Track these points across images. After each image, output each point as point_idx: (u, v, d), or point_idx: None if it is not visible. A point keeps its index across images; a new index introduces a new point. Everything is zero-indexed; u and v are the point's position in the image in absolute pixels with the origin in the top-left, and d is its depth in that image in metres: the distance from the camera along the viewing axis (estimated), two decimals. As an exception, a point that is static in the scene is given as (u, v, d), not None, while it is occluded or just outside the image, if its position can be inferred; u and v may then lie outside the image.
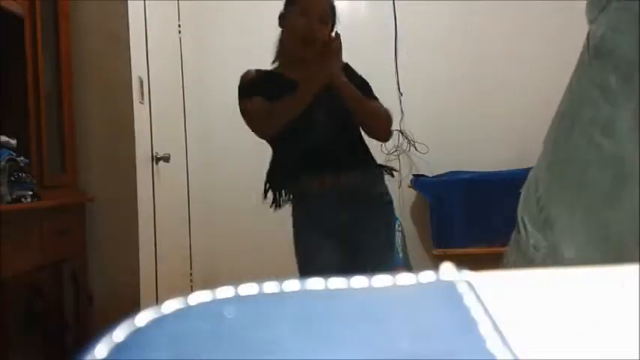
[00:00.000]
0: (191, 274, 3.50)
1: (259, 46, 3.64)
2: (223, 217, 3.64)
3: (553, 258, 0.59)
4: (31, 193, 2.15)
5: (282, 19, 1.98)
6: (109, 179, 2.72)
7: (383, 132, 1.99)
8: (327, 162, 1.89)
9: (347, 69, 1.99)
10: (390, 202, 1.98)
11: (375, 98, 1.99)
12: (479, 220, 3.15)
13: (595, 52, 0.56)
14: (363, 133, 1.97)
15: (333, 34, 1.85)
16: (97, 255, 2.68)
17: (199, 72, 3.69)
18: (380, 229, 1.93)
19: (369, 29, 3.67)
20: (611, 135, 0.53)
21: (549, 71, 3.43)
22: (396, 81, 3.60)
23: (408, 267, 3.43)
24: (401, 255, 3.44)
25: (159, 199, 3.00)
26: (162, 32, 3.23)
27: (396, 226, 3.48)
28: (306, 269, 1.88)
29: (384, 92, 3.45)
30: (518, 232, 0.64)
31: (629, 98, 0.52)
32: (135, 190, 2.71)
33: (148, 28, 2.97)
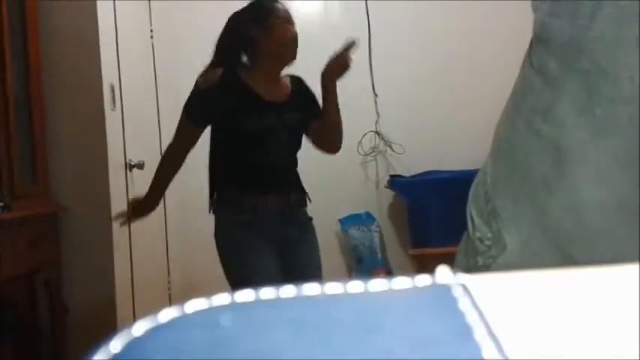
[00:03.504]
0: (169, 282, 3.46)
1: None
2: (200, 225, 3.60)
3: (496, 248, 0.59)
4: (1, 204, 2.11)
5: (260, 29, 1.99)
6: (82, 188, 2.68)
7: (336, 147, 2.17)
8: (278, 180, 1.99)
9: (300, 82, 2.11)
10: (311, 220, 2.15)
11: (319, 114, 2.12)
12: (455, 219, 3.17)
13: (536, 40, 0.57)
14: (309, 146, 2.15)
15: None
16: (72, 265, 2.63)
17: (173, 77, 3.65)
18: (314, 246, 2.09)
19: (342, 30, 3.67)
20: (550, 120, 0.53)
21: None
22: (371, 82, 3.62)
23: (387, 268, 3.45)
24: (379, 256, 3.46)
25: (134, 206, 2.96)
26: (134, 37, 3.19)
27: (374, 226, 3.51)
28: (246, 279, 1.93)
29: (358, 93, 3.50)
30: (466, 227, 0.65)
31: (567, 81, 0.52)
32: (108, 198, 2.67)
33: (118, 33, 2.93)
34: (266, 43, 1.97)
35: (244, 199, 1.96)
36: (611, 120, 0.49)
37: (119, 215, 2.35)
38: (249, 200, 1.96)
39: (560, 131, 0.52)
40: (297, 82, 2.11)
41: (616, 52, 0.49)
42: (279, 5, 2.02)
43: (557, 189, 0.53)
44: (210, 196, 2.04)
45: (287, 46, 1.99)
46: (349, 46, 2.00)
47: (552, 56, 0.53)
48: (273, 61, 2.00)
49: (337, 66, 1.98)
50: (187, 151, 2.04)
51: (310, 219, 2.13)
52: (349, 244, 3.48)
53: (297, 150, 2.10)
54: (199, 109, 1.99)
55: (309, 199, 2.13)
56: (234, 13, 2.08)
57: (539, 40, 0.56)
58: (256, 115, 1.94)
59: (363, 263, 3.42)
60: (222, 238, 2.00)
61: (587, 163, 0.51)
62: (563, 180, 0.52)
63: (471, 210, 0.64)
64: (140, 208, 2.16)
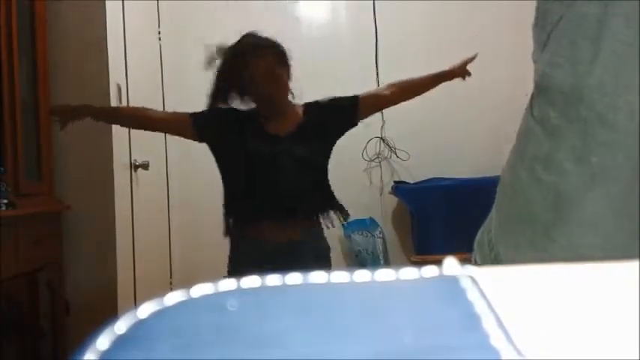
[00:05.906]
0: (171, 282, 3.46)
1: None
2: (203, 225, 3.61)
3: None
4: (6, 201, 2.11)
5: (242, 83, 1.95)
6: (86, 187, 2.68)
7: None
8: (286, 210, 1.92)
9: (314, 108, 1.99)
10: (327, 256, 2.02)
11: (356, 98, 2.06)
12: (459, 226, 3.17)
13: (536, 90, 0.58)
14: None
15: None
16: (74, 264, 2.63)
17: (180, 78, 3.67)
18: None
19: (349, 35, 3.68)
20: (550, 168, 0.55)
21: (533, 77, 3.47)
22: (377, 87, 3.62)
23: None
24: (382, 262, 3.45)
25: (137, 207, 2.97)
26: (141, 38, 3.20)
27: (377, 232, 3.50)
28: None
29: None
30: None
31: (566, 130, 0.53)
32: (112, 198, 2.67)
33: (126, 34, 2.94)
34: (245, 84, 1.92)
35: (243, 227, 1.98)
36: (606, 167, 0.51)
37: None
38: (245, 228, 1.97)
39: (559, 179, 0.54)
40: (311, 109, 2.00)
41: (613, 98, 0.50)
42: (251, 39, 1.93)
43: (557, 236, 0.54)
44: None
45: (257, 82, 1.89)
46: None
47: (552, 106, 0.55)
48: (257, 100, 1.93)
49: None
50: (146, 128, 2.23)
51: (323, 254, 1.99)
52: (352, 250, 3.48)
53: (310, 179, 1.97)
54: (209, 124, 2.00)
55: (326, 224, 2.01)
56: (228, 48, 1.97)
57: (540, 91, 0.57)
58: (257, 144, 1.92)
59: (366, 269, 3.41)
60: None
61: (584, 210, 0.52)
62: (562, 227, 0.54)
63: (476, 257, 0.65)
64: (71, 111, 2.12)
